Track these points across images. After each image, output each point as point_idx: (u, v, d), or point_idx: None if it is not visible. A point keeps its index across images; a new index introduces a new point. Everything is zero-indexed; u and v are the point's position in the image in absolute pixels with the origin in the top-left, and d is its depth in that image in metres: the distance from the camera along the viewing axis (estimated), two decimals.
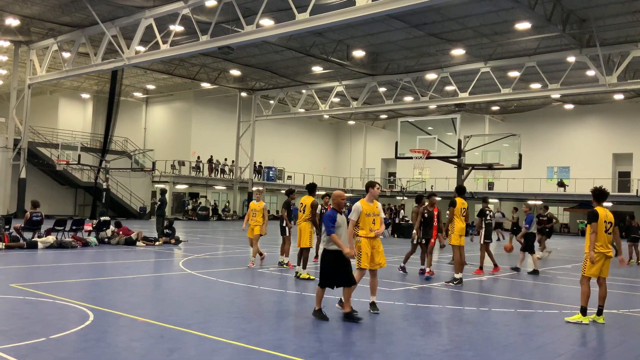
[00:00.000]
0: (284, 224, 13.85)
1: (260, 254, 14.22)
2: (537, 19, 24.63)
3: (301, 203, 12.50)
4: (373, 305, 8.67)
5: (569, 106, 44.52)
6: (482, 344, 7.03)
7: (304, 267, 12.10)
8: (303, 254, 12.15)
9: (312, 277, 11.92)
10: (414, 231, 13.40)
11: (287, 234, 13.85)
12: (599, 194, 8.78)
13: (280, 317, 8.27)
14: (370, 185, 8.65)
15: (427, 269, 13.18)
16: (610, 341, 7.70)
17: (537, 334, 7.71)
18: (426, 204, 13.61)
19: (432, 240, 13.13)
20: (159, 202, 20.59)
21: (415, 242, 13.45)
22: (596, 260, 8.44)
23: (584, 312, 8.44)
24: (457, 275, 12.10)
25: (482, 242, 14.58)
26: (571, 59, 29.04)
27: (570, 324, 8.36)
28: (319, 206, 13.43)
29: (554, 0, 23.76)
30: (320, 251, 15.02)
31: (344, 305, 8.12)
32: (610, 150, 45.16)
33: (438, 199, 13.61)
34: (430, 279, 12.66)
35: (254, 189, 14.35)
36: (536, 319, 8.82)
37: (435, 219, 13.18)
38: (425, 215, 13.14)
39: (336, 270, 7.98)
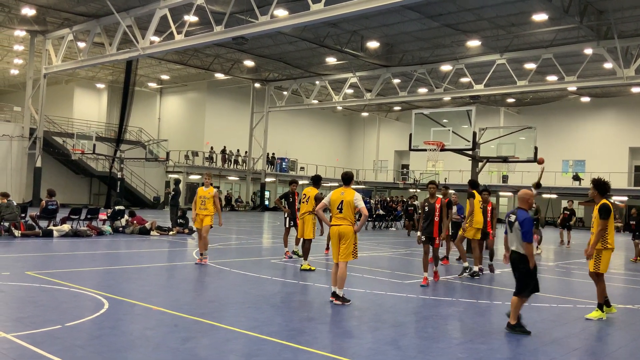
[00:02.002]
0: (285, 215, 13.76)
1: (202, 254, 12.24)
2: (554, 11, 24.32)
3: (304, 194, 12.40)
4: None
5: (585, 99, 44.00)
6: (495, 337, 6.99)
7: (305, 259, 12.08)
8: (305, 244, 12.14)
9: (312, 268, 11.93)
10: (418, 233, 11.05)
11: (286, 225, 13.75)
12: (604, 186, 8.35)
13: (293, 308, 8.28)
14: None
15: (426, 274, 10.78)
16: (626, 336, 7.62)
17: (551, 328, 7.66)
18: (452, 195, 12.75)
19: (437, 241, 10.76)
20: (172, 192, 20.72)
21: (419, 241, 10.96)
22: (605, 256, 8.29)
23: (601, 307, 8.33)
24: (475, 268, 12.27)
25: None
26: (588, 51, 28.66)
27: (584, 318, 8.29)
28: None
29: None
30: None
31: (512, 317, 7.36)
32: (626, 143, 44.62)
33: (452, 191, 13.11)
34: (426, 287, 10.40)
35: (205, 173, 12.89)
36: (550, 313, 8.75)
37: (437, 213, 10.70)
38: (426, 208, 10.86)
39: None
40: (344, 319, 7.64)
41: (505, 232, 7.59)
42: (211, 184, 12.39)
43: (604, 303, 8.39)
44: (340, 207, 8.58)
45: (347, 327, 7.30)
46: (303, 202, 12.39)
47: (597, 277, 8.37)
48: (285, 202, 13.78)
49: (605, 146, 45.05)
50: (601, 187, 8.33)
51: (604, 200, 8.29)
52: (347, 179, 8.92)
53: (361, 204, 8.53)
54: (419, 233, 10.89)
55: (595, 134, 45.94)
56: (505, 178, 46.04)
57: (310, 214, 12.13)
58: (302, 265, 12.08)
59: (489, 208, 12.66)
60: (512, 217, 7.39)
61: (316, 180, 12.57)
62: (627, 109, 44.00)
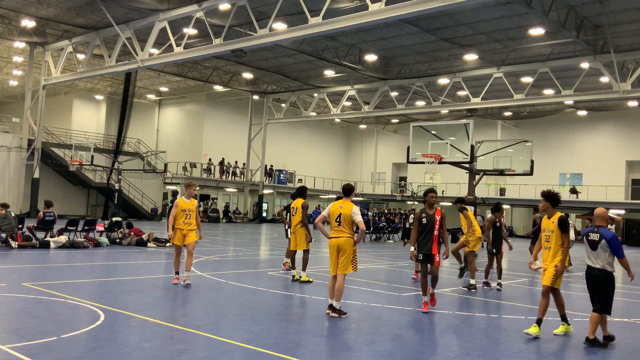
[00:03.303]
0: (286, 227, 13.75)
1: (177, 272, 11.23)
2: (550, 25, 24.51)
3: (293, 207, 12.38)
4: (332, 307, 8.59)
5: (582, 112, 44.22)
6: (492, 351, 6.99)
7: (304, 269, 12.07)
8: (304, 255, 12.14)
9: (310, 280, 11.91)
10: (412, 248, 9.42)
11: (288, 237, 13.72)
12: (556, 198, 8.03)
13: (290, 320, 8.27)
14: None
15: (426, 299, 9.45)
16: (624, 349, 7.60)
17: (548, 342, 7.65)
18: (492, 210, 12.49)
19: (437, 259, 9.27)
20: (170, 204, 20.72)
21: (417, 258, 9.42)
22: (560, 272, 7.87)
23: (566, 320, 8.22)
24: (472, 281, 12.33)
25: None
26: (585, 65, 28.84)
27: (576, 334, 8.28)
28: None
29: (568, 6, 23.66)
30: None
31: (591, 332, 7.49)
32: (623, 157, 44.77)
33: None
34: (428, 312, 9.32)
35: (188, 182, 11.43)
36: (547, 327, 8.73)
37: (437, 226, 9.30)
38: (423, 220, 9.35)
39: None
40: (340, 332, 7.63)
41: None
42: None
43: (537, 322, 7.94)
44: (338, 219, 8.58)
45: (343, 339, 7.30)
46: (293, 215, 12.28)
47: (556, 291, 8.11)
48: (287, 214, 13.78)
49: (602, 159, 45.19)
50: (553, 198, 7.98)
51: (559, 213, 7.96)
52: (347, 190, 8.88)
53: (359, 218, 8.50)
54: (412, 248, 9.39)
55: (592, 148, 46.10)
56: (502, 191, 46.15)
57: (303, 227, 12.11)
58: (300, 276, 12.07)
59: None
60: (595, 236, 7.47)
61: (302, 192, 12.54)
62: (623, 122, 44.21)
